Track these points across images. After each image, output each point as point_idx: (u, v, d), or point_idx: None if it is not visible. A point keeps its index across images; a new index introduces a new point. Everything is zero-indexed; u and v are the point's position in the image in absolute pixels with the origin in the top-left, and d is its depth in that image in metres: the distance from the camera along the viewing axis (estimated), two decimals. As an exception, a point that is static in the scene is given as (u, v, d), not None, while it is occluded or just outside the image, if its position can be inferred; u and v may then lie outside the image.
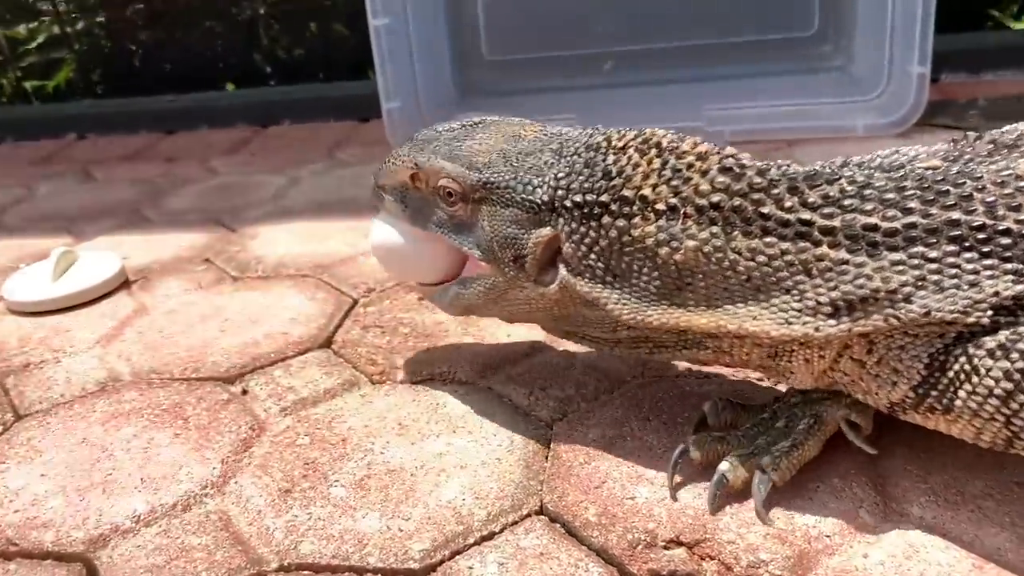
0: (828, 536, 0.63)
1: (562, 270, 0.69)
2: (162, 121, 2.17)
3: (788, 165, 0.65)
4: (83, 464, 0.81)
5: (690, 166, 0.65)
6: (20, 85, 2.48)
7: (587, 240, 0.67)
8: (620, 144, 0.69)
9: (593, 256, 0.67)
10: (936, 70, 1.82)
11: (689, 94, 1.77)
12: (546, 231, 0.69)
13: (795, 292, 0.61)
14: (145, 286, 1.22)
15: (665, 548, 0.64)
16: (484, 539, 0.67)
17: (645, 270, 0.65)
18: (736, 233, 0.62)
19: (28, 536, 0.72)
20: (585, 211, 0.67)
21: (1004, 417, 0.57)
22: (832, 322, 0.60)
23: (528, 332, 0.97)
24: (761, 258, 0.62)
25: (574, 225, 0.67)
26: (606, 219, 0.66)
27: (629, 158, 0.67)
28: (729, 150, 0.67)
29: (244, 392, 0.91)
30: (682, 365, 0.87)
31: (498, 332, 0.97)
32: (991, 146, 0.65)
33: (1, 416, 0.91)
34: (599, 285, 0.67)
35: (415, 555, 0.66)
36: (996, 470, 0.68)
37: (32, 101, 2.45)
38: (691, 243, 0.63)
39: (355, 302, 1.10)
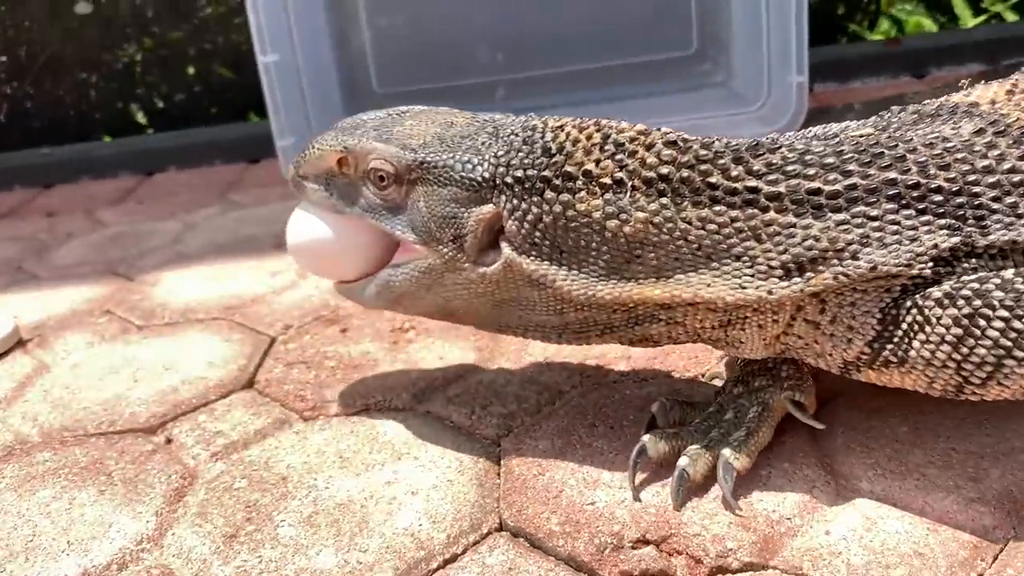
0: (788, 519, 0.64)
1: (505, 248, 0.68)
2: (38, 175, 2.05)
3: (721, 139, 0.66)
4: (2, 531, 0.75)
5: (632, 139, 0.66)
6: None
7: (530, 216, 0.66)
8: (558, 124, 0.69)
9: (538, 233, 0.66)
10: (808, 81, 1.92)
11: (580, 116, 1.81)
12: (487, 208, 0.68)
13: (746, 258, 0.63)
14: (42, 343, 1.14)
15: (633, 548, 0.64)
16: (448, 562, 0.65)
17: (593, 245, 0.65)
18: (686, 203, 0.63)
19: (-55, 617, 0.66)
20: (527, 186, 0.66)
21: (955, 363, 0.60)
22: (784, 283, 0.62)
23: (461, 354, 0.96)
24: (711, 226, 0.63)
25: (515, 201, 0.67)
26: (549, 194, 0.65)
27: (568, 135, 0.67)
28: (665, 128, 0.68)
29: (168, 441, 0.87)
30: (619, 367, 0.87)
31: (429, 356, 0.96)
32: (915, 116, 0.69)
33: None
34: (545, 262, 0.67)
35: (379, 586, 0.63)
36: (933, 439, 0.71)
37: None
38: (640, 215, 0.64)
39: (273, 340, 1.06)
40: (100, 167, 2.05)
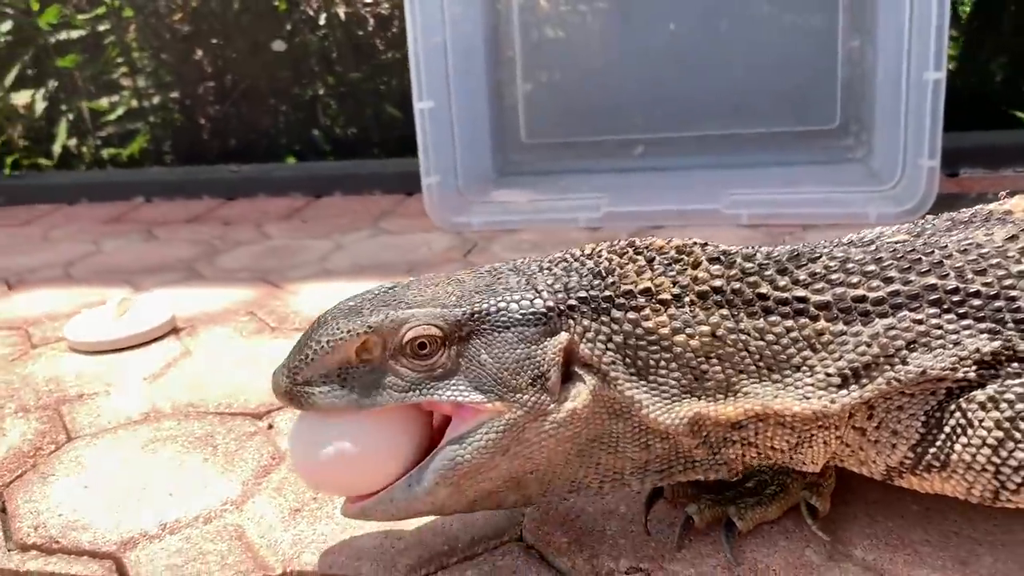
0: (774, 570, 0.69)
1: (587, 376, 0.64)
2: (223, 189, 2.34)
3: (760, 247, 0.70)
4: (121, 479, 0.91)
5: (676, 260, 0.67)
6: (98, 153, 2.69)
7: (602, 335, 0.64)
8: (589, 252, 0.69)
9: (611, 352, 0.64)
10: (955, 165, 1.90)
11: (712, 179, 1.87)
12: (563, 336, 0.64)
13: (805, 368, 0.64)
14: (191, 332, 1.33)
15: (626, 573, 0.71)
16: (466, 558, 0.75)
17: (663, 363, 0.64)
18: (742, 315, 0.64)
19: (68, 535, 0.82)
20: (593, 307, 0.64)
21: (994, 467, 0.61)
22: (843, 392, 0.63)
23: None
24: (769, 337, 0.64)
25: (587, 322, 0.64)
26: (616, 313, 0.64)
27: (610, 260, 0.67)
28: (699, 240, 0.70)
29: (270, 427, 1.01)
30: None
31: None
32: (948, 223, 0.73)
33: (55, 437, 1.02)
34: (626, 384, 0.64)
35: (401, 568, 0.74)
36: (939, 519, 0.73)
37: (107, 167, 2.65)
38: (704, 328, 0.64)
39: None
40: (277, 186, 2.30)
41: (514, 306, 0.65)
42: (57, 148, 2.71)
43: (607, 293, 0.65)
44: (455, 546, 0.76)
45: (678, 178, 1.95)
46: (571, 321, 0.64)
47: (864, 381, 0.63)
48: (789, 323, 0.64)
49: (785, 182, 1.82)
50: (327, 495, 0.82)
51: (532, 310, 0.64)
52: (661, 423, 0.64)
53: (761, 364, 0.64)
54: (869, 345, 0.63)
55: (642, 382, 0.64)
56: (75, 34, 2.59)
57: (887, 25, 1.71)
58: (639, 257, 0.67)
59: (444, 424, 0.68)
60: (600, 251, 0.69)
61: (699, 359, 0.64)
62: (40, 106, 2.69)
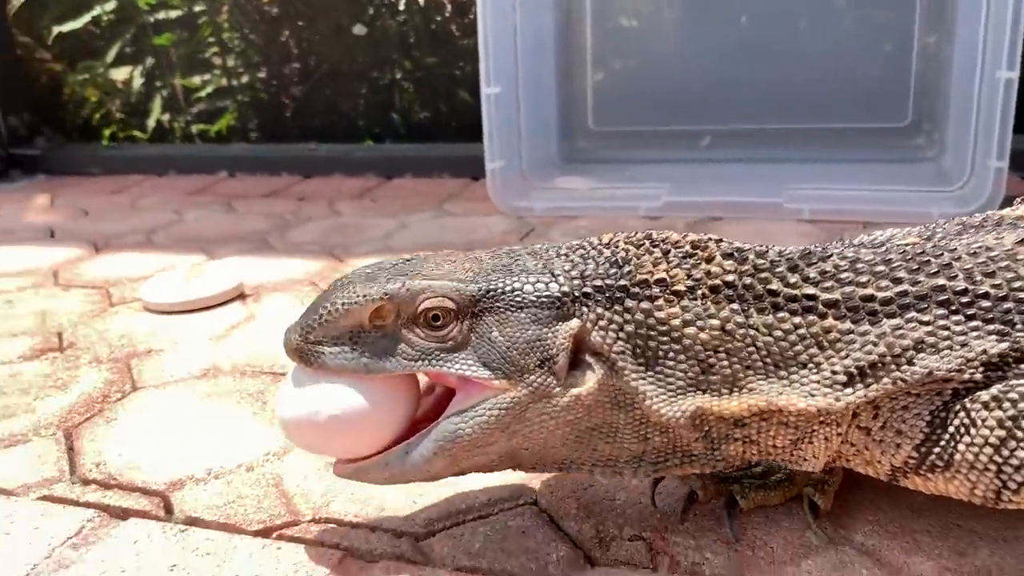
0: (772, 548, 0.72)
1: (595, 363, 0.65)
2: (302, 166, 2.43)
3: (773, 246, 0.70)
4: (177, 426, 0.99)
5: (690, 255, 0.67)
6: (188, 128, 2.82)
7: (614, 324, 0.65)
8: (606, 241, 0.70)
9: (621, 342, 0.64)
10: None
11: (776, 173, 1.87)
12: (574, 323, 0.65)
13: (812, 365, 0.64)
14: (256, 298, 1.41)
15: (628, 540, 0.74)
16: (480, 517, 0.79)
17: (671, 354, 0.64)
18: (752, 310, 0.64)
19: (124, 474, 0.90)
20: (608, 295, 0.65)
21: (996, 466, 0.61)
22: (848, 391, 0.63)
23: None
24: (777, 333, 0.64)
25: (600, 311, 0.65)
26: (629, 302, 0.65)
27: (627, 251, 0.68)
28: (714, 236, 0.70)
29: (317, 388, 1.07)
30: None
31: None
32: (959, 227, 0.73)
33: (122, 386, 1.10)
34: (632, 375, 0.64)
35: (420, 521, 0.78)
36: (943, 513, 0.74)
37: (195, 142, 2.78)
38: (714, 321, 0.64)
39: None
40: (352, 166, 2.38)
41: (529, 287, 0.65)
42: (151, 123, 2.85)
43: (622, 282, 0.65)
44: (472, 505, 0.80)
45: (741, 170, 1.95)
46: (584, 308, 0.65)
47: (870, 380, 0.63)
48: (797, 320, 0.64)
49: (850, 178, 1.80)
50: (314, 454, 0.82)
51: (547, 293, 0.65)
52: (663, 416, 0.64)
53: (768, 360, 0.64)
54: (876, 344, 0.63)
55: (649, 373, 0.64)
56: (172, 14, 2.72)
57: (965, 21, 1.68)
58: (655, 249, 0.68)
59: (444, 396, 0.70)
60: (618, 241, 0.69)
61: (707, 352, 0.64)
62: (137, 82, 2.84)
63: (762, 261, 0.67)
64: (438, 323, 0.65)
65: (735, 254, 0.67)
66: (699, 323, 0.64)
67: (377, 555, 0.75)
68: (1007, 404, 0.61)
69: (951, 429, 0.63)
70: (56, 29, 2.79)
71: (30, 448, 0.96)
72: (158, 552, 0.77)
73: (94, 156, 2.68)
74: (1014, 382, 0.62)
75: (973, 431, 0.62)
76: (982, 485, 0.63)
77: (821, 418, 0.65)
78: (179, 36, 2.70)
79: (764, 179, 1.85)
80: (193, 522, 0.81)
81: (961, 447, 0.62)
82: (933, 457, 0.64)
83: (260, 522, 0.80)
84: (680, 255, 0.67)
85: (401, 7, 2.40)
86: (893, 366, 0.63)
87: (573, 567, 0.72)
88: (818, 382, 0.64)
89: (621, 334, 0.64)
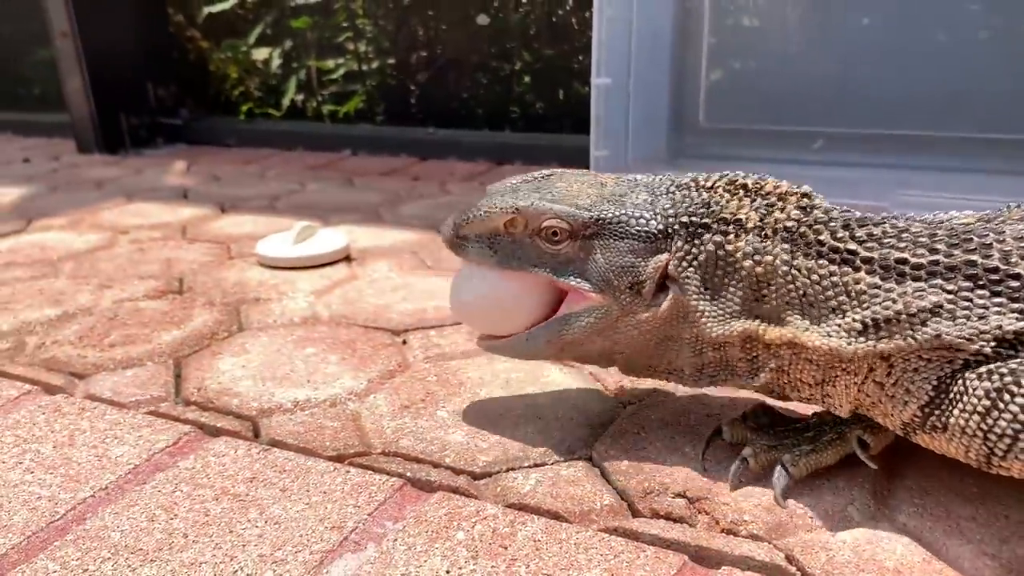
0: (811, 517, 0.73)
1: (672, 287, 0.76)
2: (420, 149, 2.53)
3: (848, 209, 0.74)
4: (272, 364, 1.07)
5: (772, 205, 0.75)
6: (319, 108, 2.97)
7: (688, 256, 0.75)
8: (709, 184, 0.79)
9: (691, 270, 0.75)
10: None
11: (887, 179, 1.82)
12: (663, 257, 0.75)
13: (839, 311, 0.70)
14: (361, 262, 1.50)
15: (672, 497, 0.77)
16: (535, 465, 0.83)
17: (732, 281, 0.74)
18: (799, 253, 0.72)
19: (221, 399, 0.98)
20: (690, 230, 0.75)
21: (983, 433, 0.64)
22: (861, 339, 0.69)
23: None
24: (815, 276, 0.71)
25: (680, 243, 0.75)
26: (705, 236, 0.74)
27: (720, 195, 0.77)
28: (805, 189, 0.76)
29: (404, 342, 1.14)
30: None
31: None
32: (1022, 213, 0.73)
33: (229, 327, 1.20)
34: (696, 296, 0.75)
35: (479, 464, 0.84)
36: (992, 502, 0.74)
37: (325, 121, 2.92)
38: (768, 257, 0.73)
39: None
40: (466, 150, 2.46)
41: (632, 222, 0.76)
42: (286, 102, 3.02)
43: (705, 221, 0.75)
44: (528, 454, 0.85)
45: (852, 174, 1.91)
46: (672, 244, 0.75)
47: (882, 334, 0.68)
48: (834, 268, 0.70)
49: (964, 189, 1.74)
50: (470, 328, 0.98)
51: (645, 229, 0.76)
52: (716, 335, 0.75)
53: (804, 299, 0.72)
54: (895, 302, 0.67)
55: (710, 296, 0.75)
56: None
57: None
58: (745, 198, 0.76)
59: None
60: (718, 185, 0.78)
61: (760, 283, 0.73)
62: (276, 63, 3.01)
63: (823, 216, 0.73)
64: (556, 238, 0.78)
65: (806, 208, 0.74)
66: (756, 257, 0.73)
67: (434, 486, 0.80)
68: (995, 377, 0.63)
69: (950, 395, 0.66)
70: (206, 9, 2.99)
71: (143, 371, 1.07)
72: (242, 465, 0.85)
73: (231, 129, 2.87)
74: (1012, 361, 0.63)
75: (965, 399, 0.65)
76: (974, 450, 0.66)
77: (841, 363, 0.71)
78: (316, 20, 2.85)
79: (873, 184, 1.81)
80: (276, 444, 0.89)
81: (955, 412, 0.66)
82: (933, 419, 0.67)
83: (335, 449, 0.87)
84: (764, 202, 0.75)
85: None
86: (906, 324, 0.67)
87: (616, 515, 0.75)
88: (839, 326, 0.70)
89: (695, 263, 0.75)
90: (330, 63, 2.94)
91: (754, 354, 0.76)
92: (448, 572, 0.68)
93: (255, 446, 0.89)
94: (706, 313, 0.75)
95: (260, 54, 3.01)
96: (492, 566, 0.69)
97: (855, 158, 1.96)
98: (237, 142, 2.79)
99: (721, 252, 0.74)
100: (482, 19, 2.47)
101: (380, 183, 2.20)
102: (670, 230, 0.76)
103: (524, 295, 0.83)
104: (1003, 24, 1.86)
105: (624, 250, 0.76)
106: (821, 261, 0.71)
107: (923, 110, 1.91)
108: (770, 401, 0.88)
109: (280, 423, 0.93)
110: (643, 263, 0.76)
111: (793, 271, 0.72)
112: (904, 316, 0.67)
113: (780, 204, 0.75)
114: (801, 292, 0.72)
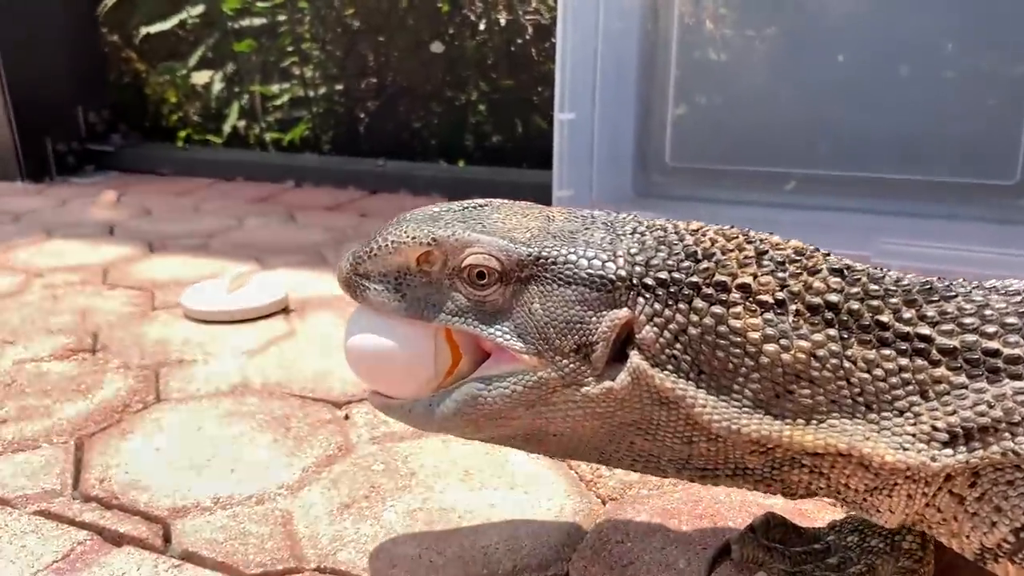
0: (838, 663, 0.61)
1: (636, 359, 0.58)
2: (369, 181, 2.39)
3: (889, 271, 0.60)
4: (192, 447, 0.92)
5: (792, 261, 0.59)
6: (263, 136, 2.82)
7: (672, 325, 0.57)
8: (695, 228, 0.62)
9: (679, 345, 0.57)
10: None
11: (865, 225, 1.74)
12: (623, 313, 0.58)
13: (909, 415, 0.55)
14: (301, 314, 1.35)
15: (668, 635, 0.64)
16: (501, 588, 0.70)
17: (743, 370, 0.57)
18: (852, 340, 0.56)
19: (128, 494, 0.83)
20: (672, 291, 0.58)
21: None
22: (948, 451, 0.54)
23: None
24: (878, 371, 0.56)
25: (658, 307, 0.58)
26: (699, 303, 0.57)
27: (713, 242, 0.60)
28: (823, 250, 0.61)
29: (346, 417, 1.00)
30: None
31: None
32: None
33: (144, 397, 1.05)
34: (683, 380, 0.57)
35: (434, 586, 0.70)
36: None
37: (269, 150, 2.77)
38: (804, 343, 0.56)
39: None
40: (419, 185, 2.33)
41: (583, 262, 0.59)
42: (227, 128, 2.86)
43: (694, 279, 0.58)
44: (495, 571, 0.71)
45: (827, 218, 1.82)
46: (641, 300, 0.58)
47: (975, 445, 0.54)
48: (904, 361, 0.55)
49: (947, 236, 1.66)
50: (363, 382, 0.73)
51: (600, 273, 0.58)
52: (714, 429, 0.57)
53: (860, 399, 0.56)
54: (991, 406, 0.53)
55: (705, 382, 0.57)
56: (256, 21, 2.72)
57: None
58: (748, 247, 0.59)
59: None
60: (707, 231, 0.61)
61: (787, 376, 0.56)
62: (217, 87, 2.85)
63: (876, 287, 0.57)
64: (482, 281, 0.60)
65: (845, 272, 0.58)
66: (783, 342, 0.56)
67: (380, 620, 0.66)
68: None
69: None
70: (144, 30, 2.82)
71: (38, 455, 0.91)
72: (144, 589, 0.69)
73: (167, 156, 2.69)
74: None
75: None
76: None
77: (909, 473, 0.56)
78: (261, 43, 2.70)
79: (852, 230, 1.72)
80: (189, 557, 0.74)
81: None
82: None
83: (260, 565, 0.73)
84: (777, 260, 0.58)
85: (481, 27, 2.34)
86: (1007, 434, 0.53)
87: (601, 661, 0.62)
88: (914, 435, 0.55)
89: (680, 337, 0.57)
90: (275, 88, 2.79)
91: (776, 452, 0.59)
92: None
93: (163, 560, 0.73)
94: (699, 402, 0.57)
95: (201, 78, 2.85)
96: None
97: (830, 201, 1.88)
98: (173, 171, 2.62)
99: (723, 328, 0.57)
100: (436, 47, 2.34)
101: (325, 219, 2.05)
102: (636, 281, 0.58)
103: (431, 349, 0.64)
104: (980, 64, 1.80)
105: (570, 299, 0.59)
106: (886, 351, 0.55)
107: (900, 152, 1.83)
108: (778, 507, 0.75)
109: (196, 527, 0.78)
110: (595, 319, 0.58)
111: (846, 364, 0.56)
112: (1004, 424, 0.53)
113: (804, 264, 0.58)
114: (857, 391, 0.56)
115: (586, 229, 0.62)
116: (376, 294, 0.63)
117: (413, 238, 0.62)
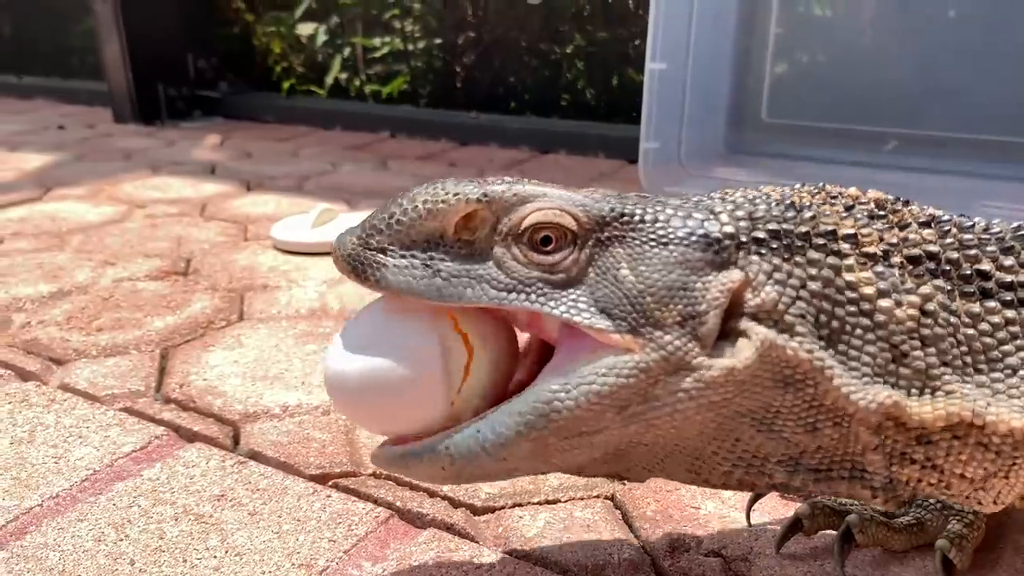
0: (875, 595, 0.60)
1: (760, 329, 0.48)
2: (460, 133, 2.41)
3: (976, 219, 0.54)
4: (267, 361, 0.96)
5: (878, 215, 0.52)
6: (362, 89, 2.87)
7: (793, 281, 0.49)
8: (770, 189, 0.55)
9: (802, 303, 0.49)
10: None
11: (966, 187, 1.66)
12: (736, 274, 0.49)
13: (1023, 372, 0.49)
14: (381, 251, 1.39)
15: (704, 555, 0.64)
16: (547, 502, 0.71)
17: (858, 331, 0.49)
18: (955, 292, 0.50)
19: (203, 398, 0.88)
20: (786, 243, 0.50)
21: None
22: None
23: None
24: (984, 326, 0.49)
25: (776, 262, 0.49)
26: (813, 254, 0.49)
27: (800, 196, 0.53)
28: (901, 197, 0.55)
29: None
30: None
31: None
32: None
33: (228, 316, 1.10)
34: (814, 345, 0.48)
35: (482, 495, 0.72)
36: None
37: (368, 101, 2.82)
38: (914, 298, 0.49)
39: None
40: (509, 137, 2.34)
41: (677, 221, 0.50)
42: (330, 80, 2.92)
43: (803, 229, 0.50)
44: (540, 487, 0.73)
45: (926, 179, 1.75)
46: (754, 257, 0.49)
47: None
48: (1010, 314, 0.49)
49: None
50: (363, 427, 0.58)
51: (703, 231, 0.49)
52: (855, 404, 0.48)
53: (968, 358, 0.49)
54: None
55: (831, 348, 0.49)
56: (360, -26, 2.76)
57: None
58: (835, 202, 0.52)
59: (538, 357, 0.54)
60: (785, 190, 0.54)
61: (903, 335, 0.49)
62: (321, 39, 2.91)
63: (969, 236, 0.51)
64: (548, 246, 0.49)
65: (933, 222, 0.52)
66: (896, 296, 0.49)
67: (427, 521, 0.69)
68: None
69: None
70: (253, -19, 2.90)
71: (126, 360, 0.97)
72: (212, 479, 0.74)
73: (270, 104, 2.78)
74: None
75: None
76: None
77: None
78: (363, -4, 2.75)
79: (951, 192, 1.65)
80: (254, 456, 0.78)
81: None
82: None
83: (319, 467, 0.76)
84: (866, 213, 0.52)
85: (580, -21, 2.32)
86: None
87: (636, 572, 0.62)
88: None
89: (803, 292, 0.49)
90: (376, 41, 2.83)
91: (890, 442, 0.50)
92: None
93: (230, 457, 0.78)
94: (836, 373, 0.48)
95: (305, 29, 2.92)
96: (480, 633, 0.57)
97: (930, 163, 1.80)
98: (276, 119, 2.71)
99: (840, 282, 0.49)
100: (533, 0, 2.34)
101: (415, 168, 2.09)
102: (745, 237, 0.49)
103: (440, 348, 0.49)
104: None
105: (670, 261, 0.48)
106: (990, 304, 0.49)
107: (1009, 114, 1.74)
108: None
109: (263, 431, 0.82)
110: (702, 283, 0.48)
111: (953, 319, 0.49)
112: None
113: (893, 217, 0.52)
114: (964, 349, 0.49)
115: (655, 200, 0.52)
116: (397, 272, 0.50)
117: (455, 195, 0.50)
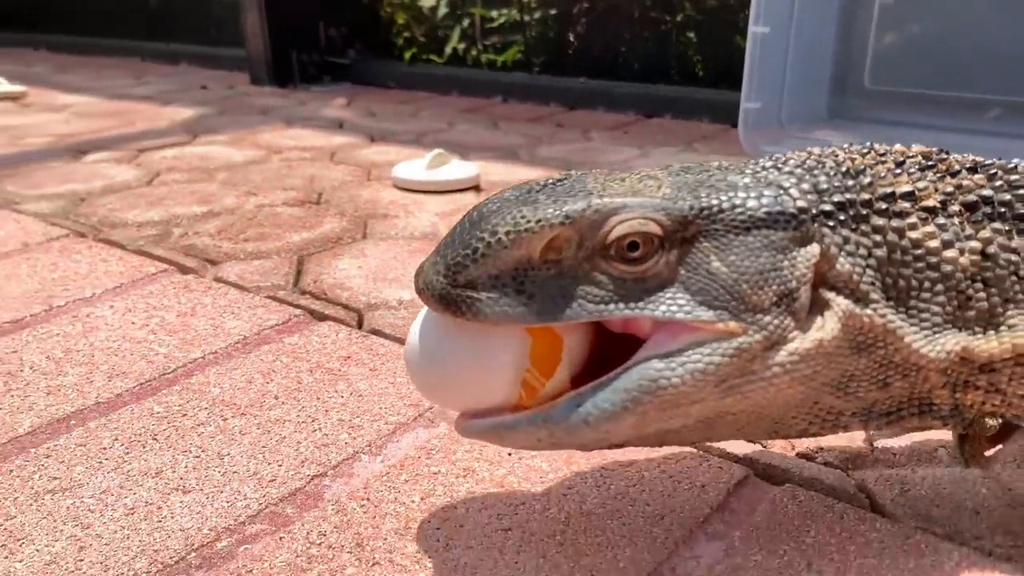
0: (895, 454, 0.69)
1: (839, 299, 0.51)
2: (570, 98, 2.53)
3: (1017, 161, 0.57)
4: (386, 268, 1.11)
5: (927, 166, 0.55)
6: (479, 56, 3.02)
7: (862, 250, 0.52)
8: (823, 152, 0.57)
9: (871, 271, 0.52)
10: None
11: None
12: (815, 248, 0.51)
13: None
14: (489, 192, 1.52)
15: (751, 419, 0.74)
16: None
17: (926, 284, 0.52)
18: (1012, 232, 0.53)
19: (333, 291, 1.03)
20: (852, 213, 0.52)
21: None
22: None
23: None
24: None
25: (846, 233, 0.52)
26: (877, 220, 0.52)
27: (852, 160, 0.55)
28: (941, 148, 0.59)
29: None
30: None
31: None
32: None
33: (354, 235, 1.26)
34: (887, 310, 0.52)
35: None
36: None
37: (483, 68, 2.97)
38: (974, 243, 0.52)
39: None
40: (616, 101, 2.44)
41: (753, 203, 0.51)
42: (448, 49, 3.09)
43: (864, 196, 0.52)
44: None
45: (1026, 146, 1.76)
46: (826, 230, 0.51)
47: None
48: None
49: None
50: (448, 407, 0.61)
51: (780, 209, 0.51)
52: (925, 357, 0.51)
53: None
54: None
55: (901, 307, 0.52)
56: (481, -52, 2.90)
57: None
58: (886, 159, 0.55)
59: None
60: (837, 153, 0.56)
61: (967, 281, 0.52)
62: (442, 11, 3.07)
63: (1015, 177, 0.54)
64: (636, 253, 0.50)
65: (979, 168, 0.55)
66: (959, 245, 0.52)
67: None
68: None
69: None
70: (381, -44, 3.08)
71: (269, 263, 1.13)
72: (340, 346, 0.89)
73: (394, 71, 2.96)
74: None
75: None
76: None
77: None
78: (483, -31, 2.89)
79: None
80: (375, 332, 0.93)
81: None
82: None
83: (427, 344, 0.90)
84: (917, 166, 0.54)
85: (691, -51, 2.39)
86: None
87: None
88: None
89: (871, 260, 0.52)
90: (494, 12, 2.97)
91: (959, 378, 0.54)
92: (510, 453, 0.69)
93: (356, 332, 0.93)
94: (908, 332, 0.51)
95: (428, 1, 3.08)
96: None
97: (1033, 129, 1.81)
98: (398, 84, 2.89)
99: (905, 243, 0.52)
100: (645, -32, 2.42)
101: (524, 128, 2.22)
102: (816, 210, 0.52)
103: (515, 352, 0.52)
104: None
105: (756, 246, 0.51)
106: None
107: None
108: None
109: (383, 316, 0.97)
110: (788, 261, 0.51)
111: (1014, 258, 0.52)
112: None
113: (942, 167, 0.55)
114: None
115: (712, 177, 0.54)
116: (492, 304, 0.50)
117: (539, 221, 0.50)
